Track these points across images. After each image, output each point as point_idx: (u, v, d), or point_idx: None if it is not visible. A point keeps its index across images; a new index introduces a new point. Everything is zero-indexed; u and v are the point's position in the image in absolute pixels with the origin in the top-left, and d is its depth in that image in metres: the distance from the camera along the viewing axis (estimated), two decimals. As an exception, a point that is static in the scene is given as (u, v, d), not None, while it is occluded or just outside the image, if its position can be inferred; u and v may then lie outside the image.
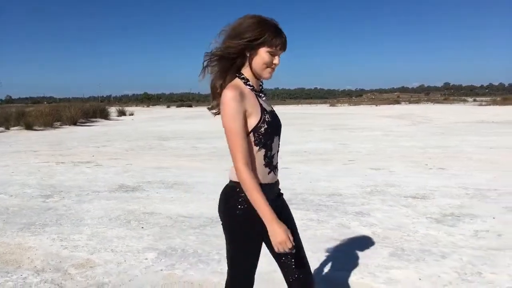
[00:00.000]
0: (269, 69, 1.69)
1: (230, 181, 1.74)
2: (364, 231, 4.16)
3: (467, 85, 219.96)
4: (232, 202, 1.70)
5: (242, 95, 1.62)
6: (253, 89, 1.70)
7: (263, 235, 1.69)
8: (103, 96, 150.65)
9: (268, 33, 1.63)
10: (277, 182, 1.82)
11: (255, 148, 1.68)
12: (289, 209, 1.91)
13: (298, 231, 1.89)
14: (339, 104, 61.65)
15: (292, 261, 1.78)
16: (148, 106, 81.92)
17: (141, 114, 38.16)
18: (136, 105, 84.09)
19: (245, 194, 1.64)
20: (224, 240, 1.79)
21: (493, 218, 4.49)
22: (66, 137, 15.17)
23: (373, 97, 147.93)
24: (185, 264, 3.42)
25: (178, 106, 68.10)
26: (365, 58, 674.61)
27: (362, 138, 13.44)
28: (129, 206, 5.26)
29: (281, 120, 1.81)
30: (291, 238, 1.60)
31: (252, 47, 1.65)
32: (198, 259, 3.52)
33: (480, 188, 5.85)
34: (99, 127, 21.25)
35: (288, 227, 1.64)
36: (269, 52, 1.65)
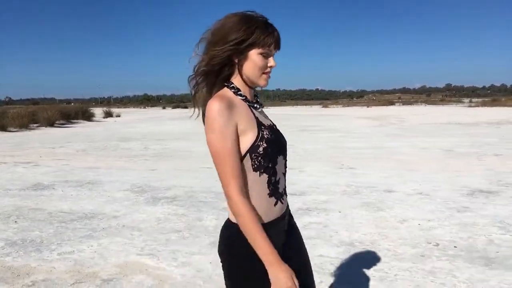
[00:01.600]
0: (264, 76, 1.41)
1: (231, 222, 1.41)
2: (209, 223, 4.55)
3: (469, 86, 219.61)
4: (236, 247, 1.38)
5: (231, 107, 1.32)
6: (245, 100, 1.41)
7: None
8: (103, 97, 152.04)
9: (258, 31, 1.35)
10: (286, 212, 1.48)
11: (254, 175, 1.35)
12: (302, 240, 1.61)
13: None
14: (333, 106, 61.95)
15: None
16: (145, 107, 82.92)
17: (131, 115, 38.73)
18: (134, 107, 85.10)
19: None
20: None
21: (339, 212, 4.87)
22: (33, 139, 15.64)
23: (374, 98, 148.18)
24: (21, 252, 3.82)
25: (174, 107, 68.75)
26: (367, 59, 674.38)
27: (317, 139, 13.80)
28: (24, 203, 5.67)
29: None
30: (297, 284, 1.31)
31: (241, 51, 1.36)
32: (36, 248, 3.93)
33: (361, 186, 6.22)
34: (75, 128, 21.73)
35: (299, 266, 1.43)
36: (261, 54, 1.37)
